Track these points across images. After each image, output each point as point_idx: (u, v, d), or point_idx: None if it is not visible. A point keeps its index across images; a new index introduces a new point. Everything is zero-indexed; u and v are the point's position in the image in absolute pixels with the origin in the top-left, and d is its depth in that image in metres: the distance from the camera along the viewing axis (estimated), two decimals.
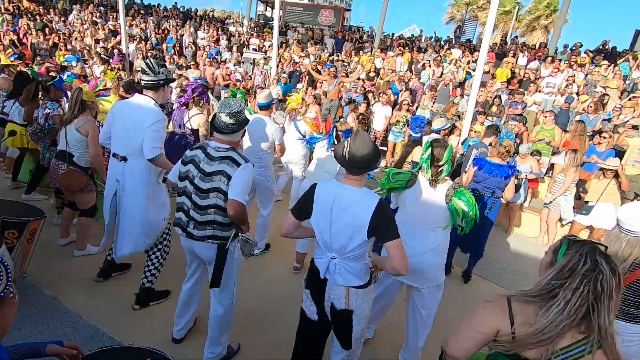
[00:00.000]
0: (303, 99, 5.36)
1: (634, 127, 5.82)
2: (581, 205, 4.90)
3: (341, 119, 3.75)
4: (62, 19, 13.80)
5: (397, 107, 8.05)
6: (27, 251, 2.85)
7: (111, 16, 14.70)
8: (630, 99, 7.76)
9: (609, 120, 7.03)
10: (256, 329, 2.86)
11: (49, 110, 3.80)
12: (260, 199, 3.85)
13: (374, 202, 1.73)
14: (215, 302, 2.38)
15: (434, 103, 8.80)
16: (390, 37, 17.73)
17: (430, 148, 2.28)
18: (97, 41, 12.18)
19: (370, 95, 8.90)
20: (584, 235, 4.83)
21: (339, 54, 14.05)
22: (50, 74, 4.64)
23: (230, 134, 2.15)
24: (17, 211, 2.82)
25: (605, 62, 9.86)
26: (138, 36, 13.26)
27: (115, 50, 10.84)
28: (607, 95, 7.79)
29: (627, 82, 8.90)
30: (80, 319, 2.73)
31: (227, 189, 2.07)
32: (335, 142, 3.37)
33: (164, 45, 12.88)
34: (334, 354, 2.03)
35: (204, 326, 2.51)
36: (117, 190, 2.74)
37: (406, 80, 9.62)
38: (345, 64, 12.46)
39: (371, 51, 13.86)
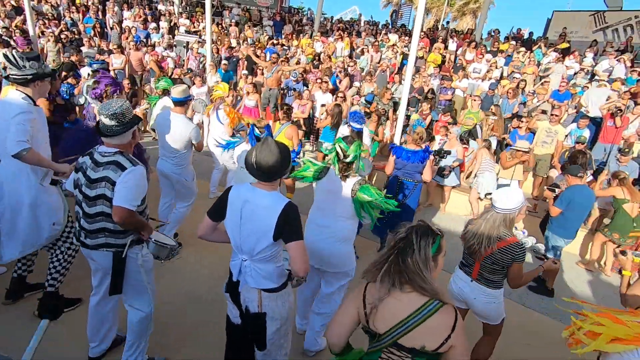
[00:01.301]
0: (231, 88, 5.17)
1: (544, 112, 6.48)
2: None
3: (260, 118, 3.71)
4: None
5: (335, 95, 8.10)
6: None
7: None
8: (542, 84, 8.61)
9: (524, 104, 7.75)
10: (184, 339, 2.78)
11: None
12: (179, 194, 3.76)
13: (280, 206, 1.77)
14: (131, 310, 2.31)
15: (376, 87, 8.99)
16: (330, 20, 17.65)
17: (337, 144, 2.39)
18: None
19: (313, 84, 8.81)
20: None
21: (279, 37, 13.70)
22: None
23: (115, 137, 2.06)
24: None
25: (523, 49, 10.78)
26: (50, 14, 11.71)
27: (17, 32, 9.42)
28: (524, 80, 8.55)
29: (540, 67, 9.83)
30: None
31: (113, 196, 2.00)
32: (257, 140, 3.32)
33: (81, 26, 11.53)
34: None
35: None
36: None
37: (345, 67, 9.66)
38: (285, 48, 12.19)
39: (311, 35, 13.69)
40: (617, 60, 9.18)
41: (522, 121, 6.29)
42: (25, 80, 2.44)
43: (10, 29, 9.73)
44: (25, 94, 2.47)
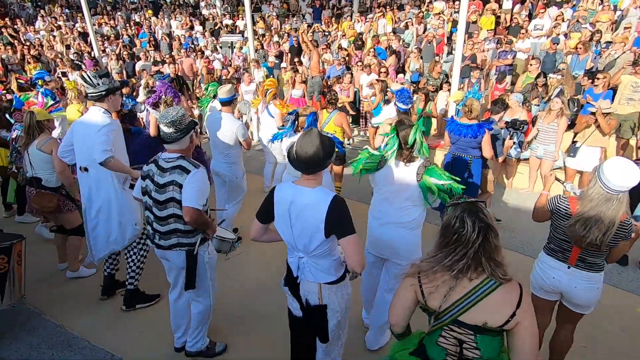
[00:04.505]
0: (278, 81, 5.25)
1: (634, 63, 5.50)
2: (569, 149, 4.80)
3: (306, 106, 3.68)
4: (31, 28, 13.32)
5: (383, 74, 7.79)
6: (20, 273, 2.95)
7: (78, 17, 14.13)
8: (622, 31, 7.43)
9: (599, 56, 6.75)
10: (245, 329, 2.91)
11: (16, 132, 3.89)
12: (230, 192, 3.89)
13: (327, 202, 1.74)
14: (194, 303, 2.51)
15: (422, 64, 8.50)
16: None
17: (395, 132, 2.24)
18: (67, 47, 11.78)
19: (355, 67, 8.57)
20: (575, 180, 4.79)
21: (319, 23, 13.52)
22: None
23: (175, 142, 2.18)
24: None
25: None
26: (112, 35, 12.80)
27: (85, 55, 10.45)
28: (599, 32, 7.43)
29: (618, 13, 8.50)
30: (88, 344, 2.79)
31: (181, 198, 2.14)
32: (300, 128, 3.28)
33: (138, 42, 12.44)
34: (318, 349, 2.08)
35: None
36: (84, 201, 2.90)
37: (388, 44, 9.25)
38: (326, 33, 12.01)
39: (351, 16, 13.32)
40: None
41: (597, 78, 5.47)
42: (101, 96, 2.73)
43: (79, 53, 10.82)
44: (104, 108, 2.77)
